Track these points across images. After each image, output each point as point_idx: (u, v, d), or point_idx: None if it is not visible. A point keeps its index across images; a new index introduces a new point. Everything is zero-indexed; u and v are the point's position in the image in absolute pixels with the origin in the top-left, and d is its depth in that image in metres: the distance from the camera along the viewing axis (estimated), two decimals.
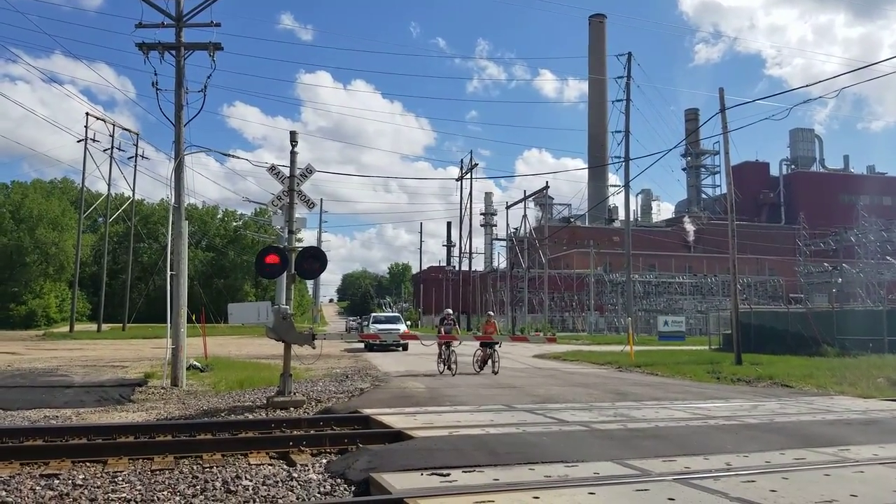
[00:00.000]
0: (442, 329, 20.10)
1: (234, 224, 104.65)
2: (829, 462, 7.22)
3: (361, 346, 34.25)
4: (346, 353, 30.37)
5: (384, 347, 30.76)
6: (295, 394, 12.90)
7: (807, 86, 77.88)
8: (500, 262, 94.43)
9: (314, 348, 13.33)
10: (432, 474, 6.38)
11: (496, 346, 19.38)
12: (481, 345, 19.39)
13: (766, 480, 6.29)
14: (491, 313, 20.44)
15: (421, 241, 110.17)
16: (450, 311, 21.22)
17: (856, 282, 66.50)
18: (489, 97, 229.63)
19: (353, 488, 6.45)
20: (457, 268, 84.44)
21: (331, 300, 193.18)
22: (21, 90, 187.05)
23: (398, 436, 8.58)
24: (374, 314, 40.63)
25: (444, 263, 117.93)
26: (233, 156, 59.12)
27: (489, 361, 19.28)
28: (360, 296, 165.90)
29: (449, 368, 18.68)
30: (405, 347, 31.48)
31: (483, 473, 6.46)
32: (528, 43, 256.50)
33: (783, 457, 7.44)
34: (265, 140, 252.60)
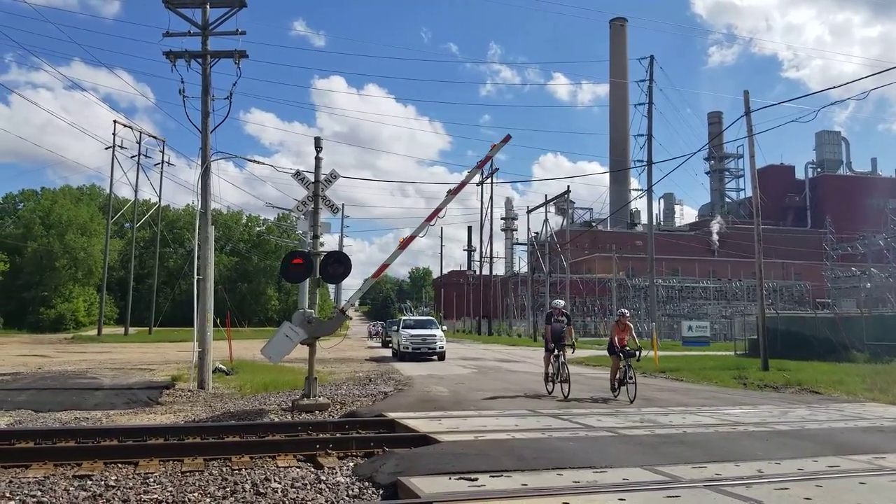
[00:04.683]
0: (549, 328, 14.40)
1: (258, 229, 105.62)
2: (863, 470, 7.09)
3: (387, 352, 32.48)
4: (371, 361, 27.53)
5: (416, 356, 26.76)
6: (320, 397, 12.96)
7: (833, 87, 77.51)
8: (521, 266, 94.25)
9: (347, 323, 13.49)
10: (460, 479, 6.37)
11: (634, 358, 13.87)
12: (610, 352, 14.33)
13: (799, 488, 6.20)
14: (625, 311, 14.55)
15: (442, 245, 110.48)
16: (560, 301, 15.44)
17: (885, 286, 65.34)
18: (503, 101, 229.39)
19: (381, 492, 6.47)
20: (477, 272, 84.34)
21: (351, 305, 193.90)
22: (43, 97, 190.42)
23: (424, 439, 8.59)
24: (403, 318, 34.51)
25: (463, 267, 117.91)
26: (259, 162, 59.72)
27: (625, 380, 13.62)
28: (380, 300, 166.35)
29: (560, 385, 13.75)
30: (441, 357, 27.16)
31: (511, 478, 6.44)
32: (539, 47, 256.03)
33: (816, 464, 7.33)
34: (282, 146, 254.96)
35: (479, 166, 13.57)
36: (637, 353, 13.78)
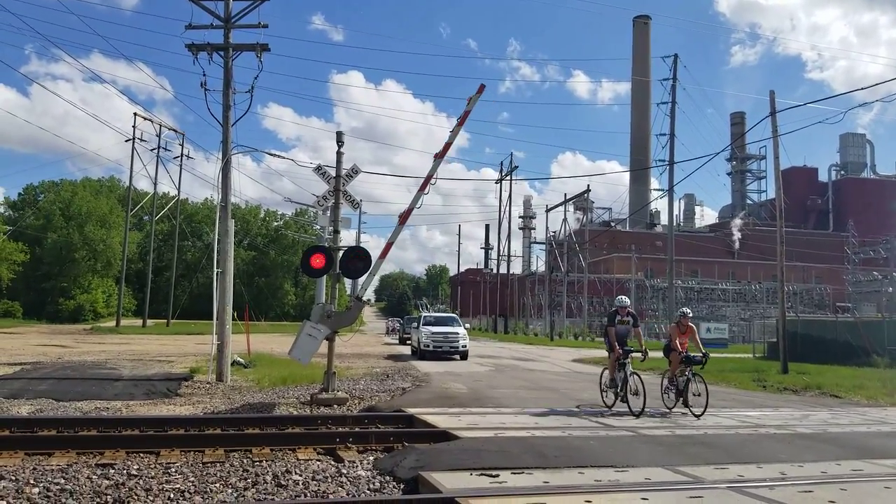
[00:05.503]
0: (613, 330, 11.94)
1: (276, 224, 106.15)
2: (888, 475, 7.00)
3: (405, 350, 31.83)
4: (389, 357, 26.59)
5: (437, 355, 25.37)
6: (338, 391, 13.00)
7: (860, 89, 76.23)
8: (539, 265, 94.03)
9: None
10: (481, 475, 6.36)
11: (701, 366, 11.80)
12: (668, 356, 12.33)
13: (823, 491, 6.12)
14: (687, 311, 12.40)
15: (459, 243, 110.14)
16: (626, 299, 12.69)
17: None
18: (522, 98, 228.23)
19: (401, 486, 6.47)
20: (494, 270, 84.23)
21: (368, 301, 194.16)
22: (63, 89, 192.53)
23: (444, 435, 8.58)
24: (424, 314, 32.44)
25: (480, 265, 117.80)
26: (279, 156, 60.34)
27: (686, 391, 11.59)
28: (397, 297, 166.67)
29: (625, 400, 11.42)
30: (464, 356, 25.87)
31: (532, 476, 6.42)
32: (559, 44, 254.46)
33: (840, 468, 7.24)
34: (299, 140, 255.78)
35: (460, 123, 13.32)
36: (704, 358, 11.70)
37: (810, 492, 6.08)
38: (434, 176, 13.05)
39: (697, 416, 11.04)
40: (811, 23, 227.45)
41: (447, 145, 13.20)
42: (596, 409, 11.92)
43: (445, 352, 25.63)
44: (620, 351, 11.61)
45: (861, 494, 6.12)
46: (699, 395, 11.35)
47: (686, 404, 11.49)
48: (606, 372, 12.37)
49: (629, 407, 11.20)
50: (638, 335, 12.21)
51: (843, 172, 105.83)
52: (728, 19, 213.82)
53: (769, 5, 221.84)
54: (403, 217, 13.31)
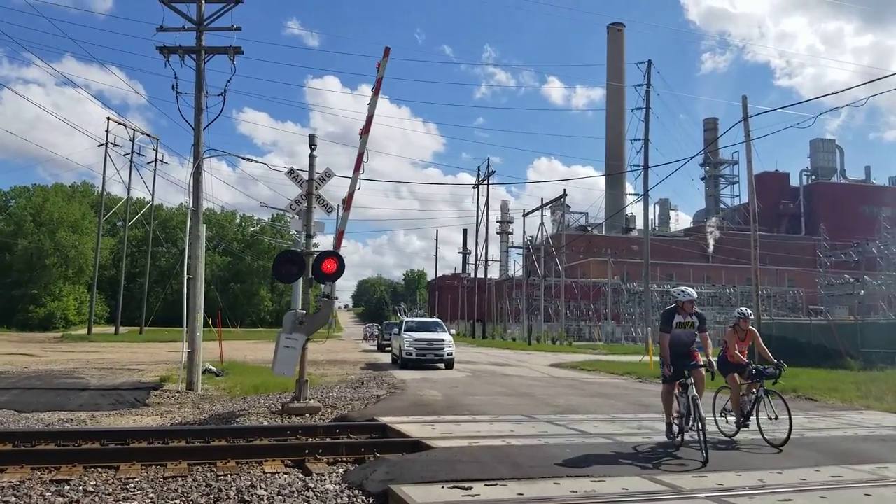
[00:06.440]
0: (668, 337, 8.74)
1: (251, 229, 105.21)
2: (867, 480, 6.90)
3: (384, 357, 30.88)
4: (368, 368, 23.97)
5: (421, 364, 23.69)
6: (310, 400, 12.70)
7: (828, 95, 77.17)
8: (516, 269, 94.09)
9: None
10: (453, 487, 6.14)
11: (773, 380, 9.12)
12: (724, 370, 9.53)
13: (803, 499, 6.00)
14: (746, 311, 9.75)
15: (437, 248, 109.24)
16: (690, 290, 9.03)
17: (877, 294, 65.40)
18: (497, 103, 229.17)
19: (371, 500, 6.22)
20: (472, 275, 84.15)
21: (346, 306, 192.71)
22: (34, 93, 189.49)
23: (416, 445, 8.35)
24: (405, 319, 30.52)
25: (457, 270, 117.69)
26: (252, 160, 59.59)
27: (753, 409, 9.11)
28: (374, 302, 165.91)
29: (702, 430, 7.85)
30: (450, 365, 24.24)
31: (506, 487, 6.21)
32: (533, 51, 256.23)
33: (819, 474, 7.13)
34: (274, 146, 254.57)
35: (375, 92, 13.20)
36: (778, 370, 9.03)
37: (790, 500, 5.96)
38: (365, 153, 12.98)
39: (779, 448, 8.48)
40: (779, 30, 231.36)
41: (369, 118, 13.19)
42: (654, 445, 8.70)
43: (429, 360, 23.94)
44: (667, 374, 8.45)
45: (842, 502, 6.01)
46: (775, 417, 8.80)
47: (757, 425, 9.01)
48: (672, 398, 8.76)
49: (699, 440, 7.76)
50: (706, 342, 8.84)
51: (814, 177, 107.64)
52: (699, 27, 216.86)
53: (738, 13, 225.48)
54: (347, 203, 13.23)
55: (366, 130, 13.13)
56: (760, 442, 8.86)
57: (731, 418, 9.44)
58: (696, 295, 8.94)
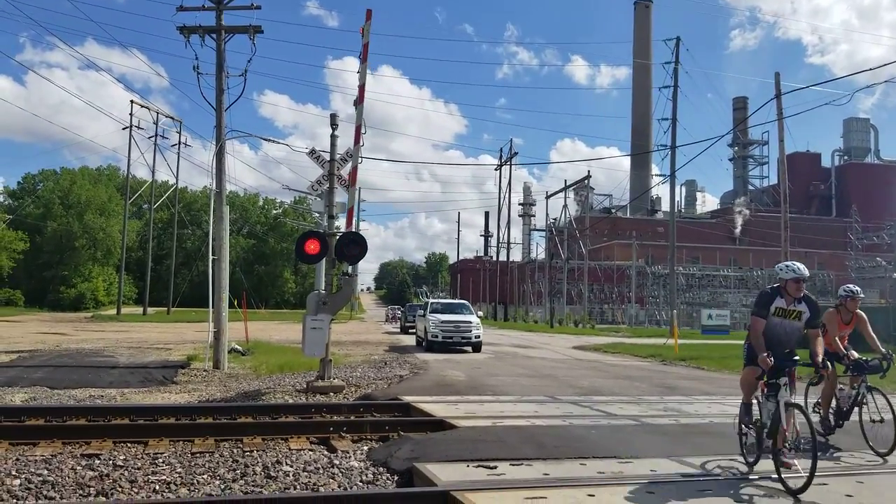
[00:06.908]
0: (761, 323, 6.33)
1: (274, 211, 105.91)
2: None
3: (408, 339, 30.71)
4: (391, 350, 23.63)
5: (447, 346, 22.94)
6: (334, 379, 12.77)
7: (862, 71, 75.12)
8: (539, 252, 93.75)
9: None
10: (478, 466, 6.11)
11: (879, 374, 7.40)
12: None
13: (838, 484, 5.86)
14: (855, 289, 8.01)
15: (459, 230, 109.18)
16: (799, 266, 6.28)
17: None
18: (520, 83, 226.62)
19: (395, 478, 6.22)
20: (494, 258, 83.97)
21: (368, 289, 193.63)
22: (58, 76, 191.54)
23: (440, 424, 8.33)
24: (430, 301, 29.54)
25: (479, 253, 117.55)
26: (274, 141, 59.92)
27: (852, 408, 7.57)
28: (396, 285, 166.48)
29: (772, 452, 5.84)
30: (477, 348, 23.12)
31: (532, 467, 6.16)
32: (556, 29, 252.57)
33: (855, 459, 6.97)
34: (296, 128, 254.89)
35: (363, 59, 12.99)
36: (885, 362, 7.31)
37: (825, 485, 5.81)
38: (363, 124, 12.89)
39: (884, 457, 6.89)
40: (812, 6, 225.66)
41: (361, 87, 13.06)
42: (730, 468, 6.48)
43: (456, 343, 23.00)
44: (768, 363, 5.91)
45: (880, 488, 5.88)
46: (880, 420, 7.02)
47: (863, 431, 7.38)
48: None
49: (799, 470, 5.61)
50: (816, 341, 6.42)
51: (846, 158, 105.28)
52: (728, 2, 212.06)
53: None
54: (352, 178, 13.16)
55: (359, 101, 12.95)
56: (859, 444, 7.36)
57: (830, 418, 7.85)
58: (807, 273, 6.35)
